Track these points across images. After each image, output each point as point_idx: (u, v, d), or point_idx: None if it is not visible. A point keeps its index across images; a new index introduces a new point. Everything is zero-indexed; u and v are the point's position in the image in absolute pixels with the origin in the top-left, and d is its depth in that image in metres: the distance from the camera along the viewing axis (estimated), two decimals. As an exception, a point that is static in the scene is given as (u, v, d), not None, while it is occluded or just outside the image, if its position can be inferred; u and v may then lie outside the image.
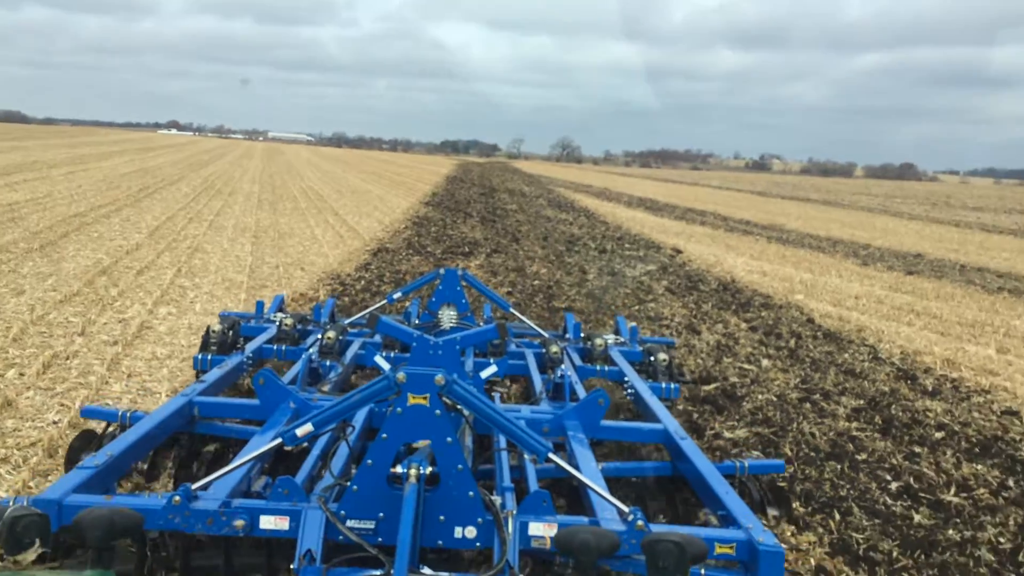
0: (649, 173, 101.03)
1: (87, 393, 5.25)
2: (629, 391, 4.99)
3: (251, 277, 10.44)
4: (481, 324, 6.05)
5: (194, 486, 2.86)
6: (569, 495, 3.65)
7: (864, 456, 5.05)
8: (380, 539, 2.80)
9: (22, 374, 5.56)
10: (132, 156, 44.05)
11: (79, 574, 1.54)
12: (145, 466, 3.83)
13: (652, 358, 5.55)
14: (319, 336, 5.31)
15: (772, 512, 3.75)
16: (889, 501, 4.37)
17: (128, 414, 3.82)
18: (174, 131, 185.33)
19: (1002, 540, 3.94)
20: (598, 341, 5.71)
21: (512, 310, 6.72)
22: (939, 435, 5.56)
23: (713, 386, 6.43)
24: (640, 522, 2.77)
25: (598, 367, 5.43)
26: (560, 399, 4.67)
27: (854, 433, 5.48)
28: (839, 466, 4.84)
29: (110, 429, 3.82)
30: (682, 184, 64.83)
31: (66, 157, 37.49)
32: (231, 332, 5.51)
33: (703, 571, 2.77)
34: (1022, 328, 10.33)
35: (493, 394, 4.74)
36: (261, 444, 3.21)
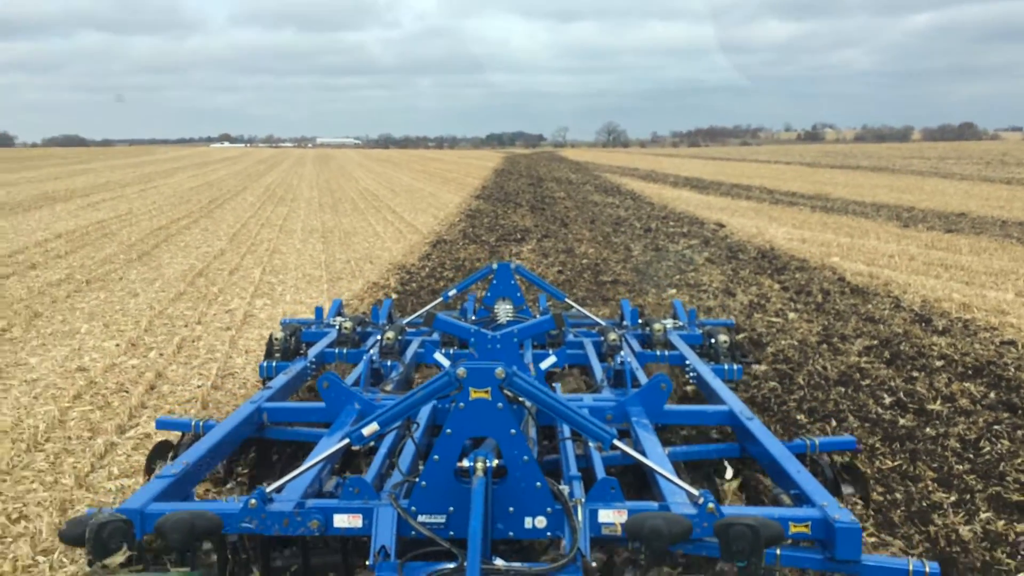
0: (697, 152, 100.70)
1: (218, 366, 6.42)
2: (691, 374, 5.02)
3: (327, 271, 11.62)
4: (537, 316, 6.03)
5: (268, 489, 2.93)
6: (637, 481, 3.65)
7: (868, 382, 5.92)
8: (452, 532, 2.85)
9: (162, 354, 6.77)
10: (193, 171, 46.13)
11: (164, 574, 1.55)
12: (220, 472, 4.01)
13: (713, 340, 5.58)
14: (379, 337, 5.43)
15: (847, 490, 3.73)
16: (880, 411, 5.26)
17: (201, 423, 3.96)
18: (226, 144, 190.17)
19: (969, 434, 4.81)
20: (656, 326, 5.67)
21: (568, 299, 6.70)
22: (939, 363, 6.39)
23: (742, 335, 7.33)
24: (711, 505, 2.76)
25: (658, 352, 5.43)
26: (621, 386, 4.73)
27: (862, 366, 6.36)
28: (844, 390, 5.73)
29: (184, 438, 3.97)
30: (729, 161, 64.77)
31: (133, 176, 39.64)
32: (293, 339, 5.70)
33: (779, 551, 2.74)
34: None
35: (553, 384, 4.80)
36: (330, 445, 3.24)
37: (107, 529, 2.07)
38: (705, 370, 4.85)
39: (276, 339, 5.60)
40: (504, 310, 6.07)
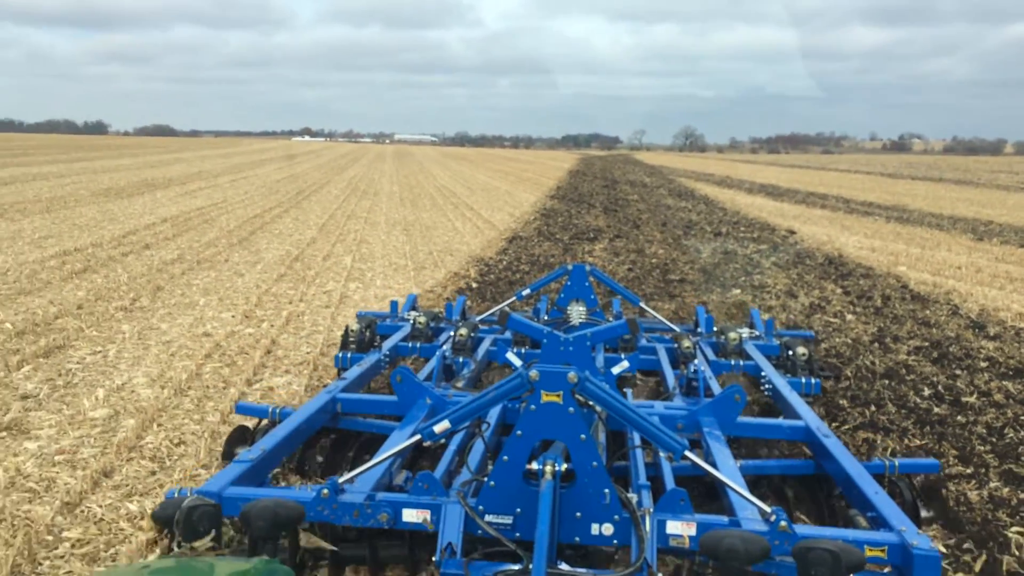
0: (775, 159, 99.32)
1: (322, 337, 7.27)
2: (766, 386, 4.93)
3: (411, 261, 12.48)
4: (610, 319, 6.05)
5: (340, 480, 2.98)
6: (707, 493, 3.60)
7: (912, 377, 6.41)
8: (518, 534, 2.87)
9: (272, 326, 7.67)
10: (279, 164, 47.97)
11: (248, 562, 1.67)
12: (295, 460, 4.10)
13: (790, 352, 5.46)
14: (451, 333, 5.46)
15: (925, 514, 3.67)
16: (919, 401, 5.77)
17: (278, 410, 4.05)
18: (307, 137, 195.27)
19: (996, 423, 5.29)
20: (731, 335, 5.62)
21: (642, 304, 6.67)
22: (983, 364, 6.81)
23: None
24: (783, 523, 2.72)
25: (732, 362, 5.36)
26: (693, 395, 4.68)
27: (909, 363, 6.83)
28: (888, 382, 6.23)
29: (262, 424, 4.09)
30: (808, 169, 63.98)
31: (224, 167, 41.55)
32: (368, 331, 5.73)
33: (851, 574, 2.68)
34: (1113, 290, 11.04)
35: (625, 390, 4.74)
36: (401, 439, 3.29)
37: (197, 512, 2.12)
38: (781, 383, 4.76)
39: (352, 331, 5.66)
40: (577, 312, 6.09)
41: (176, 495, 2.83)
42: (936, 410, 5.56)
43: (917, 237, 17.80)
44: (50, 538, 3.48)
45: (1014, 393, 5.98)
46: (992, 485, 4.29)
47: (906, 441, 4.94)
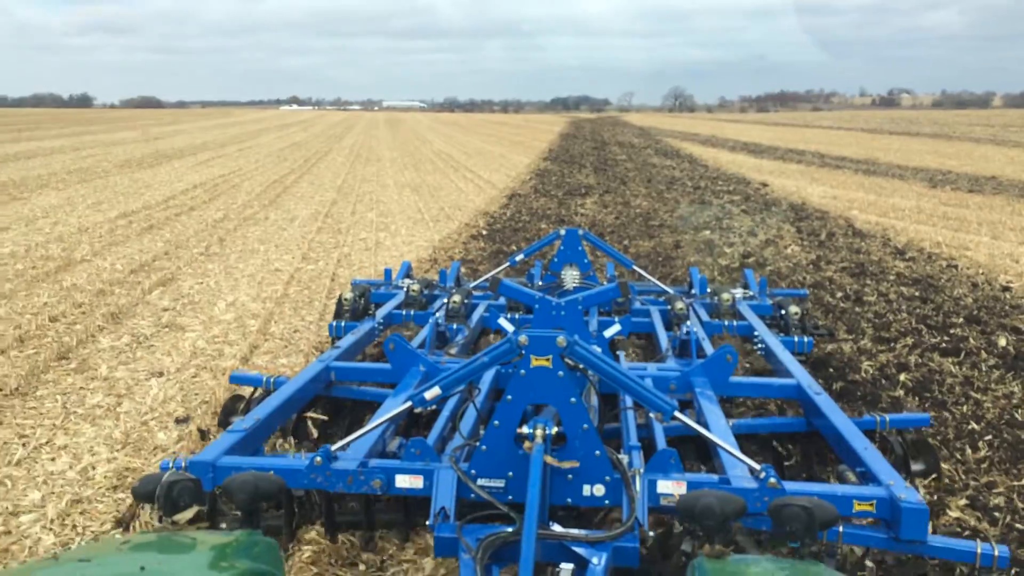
0: (761, 118, 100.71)
1: (369, 272, 9.10)
2: (759, 346, 5.02)
3: (426, 215, 14.28)
4: (604, 283, 6.11)
5: (333, 447, 3.02)
6: (700, 453, 3.64)
7: (832, 287, 8.30)
8: (510, 497, 2.90)
9: (327, 264, 9.50)
10: (277, 133, 49.38)
11: (230, 535, 1.62)
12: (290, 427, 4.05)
13: (783, 311, 5.58)
14: (445, 300, 5.48)
15: (916, 467, 3.72)
16: (831, 300, 7.66)
17: (272, 379, 4.06)
18: (295, 106, 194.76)
19: (883, 312, 7.19)
20: (725, 296, 5.66)
21: (635, 267, 6.74)
22: (892, 277, 8.71)
23: (752, 259, 9.72)
24: (772, 479, 2.78)
25: (726, 322, 5.40)
26: (687, 356, 4.74)
27: (833, 277, 8.73)
28: (815, 292, 8.11)
29: (256, 394, 4.11)
30: (792, 127, 65.58)
31: (226, 137, 42.98)
32: (362, 299, 5.78)
33: (841, 528, 2.75)
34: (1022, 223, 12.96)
35: (618, 352, 4.74)
36: (394, 406, 3.31)
37: (176, 488, 2.17)
38: (774, 342, 4.84)
39: (345, 299, 5.70)
40: (571, 276, 6.15)
41: (171, 466, 2.98)
42: (842, 305, 7.46)
43: (877, 186, 19.65)
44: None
45: (905, 294, 7.89)
46: (862, 343, 6.21)
47: (817, 319, 6.89)
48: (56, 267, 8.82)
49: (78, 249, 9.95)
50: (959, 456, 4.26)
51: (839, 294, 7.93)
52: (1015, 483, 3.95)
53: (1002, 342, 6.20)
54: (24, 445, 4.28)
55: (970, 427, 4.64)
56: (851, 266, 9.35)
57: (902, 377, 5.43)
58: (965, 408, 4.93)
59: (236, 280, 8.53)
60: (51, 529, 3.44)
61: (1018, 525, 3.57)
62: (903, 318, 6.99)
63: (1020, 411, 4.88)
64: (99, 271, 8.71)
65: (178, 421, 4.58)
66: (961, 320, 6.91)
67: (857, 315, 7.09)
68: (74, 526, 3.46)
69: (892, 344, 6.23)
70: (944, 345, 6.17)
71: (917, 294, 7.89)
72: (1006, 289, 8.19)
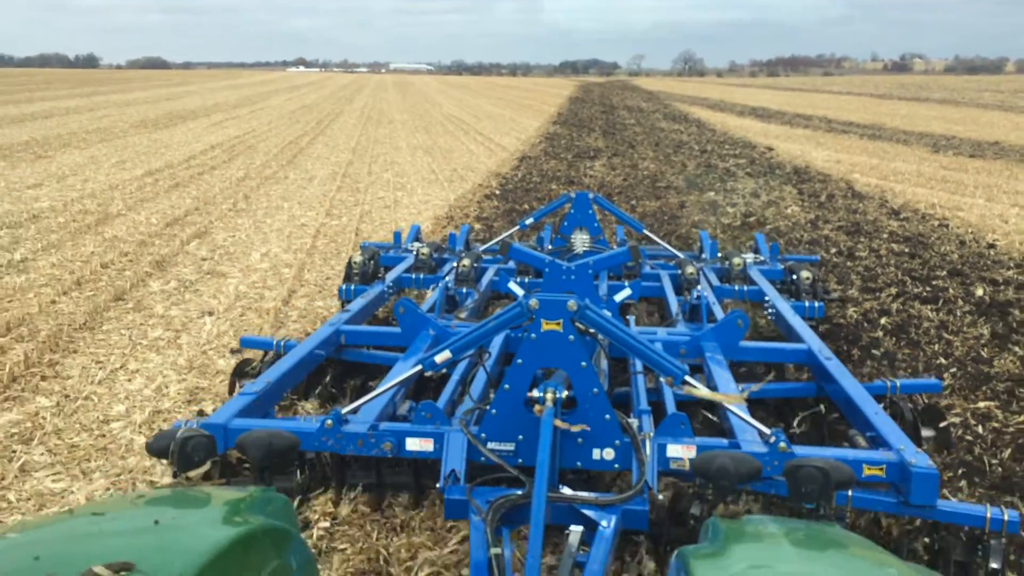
0: (771, 83, 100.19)
1: (392, 225, 9.63)
2: (770, 311, 4.99)
3: (440, 176, 14.76)
4: (614, 247, 6.09)
5: (344, 410, 3.03)
6: (710, 416, 3.65)
7: (828, 244, 8.80)
8: (520, 460, 2.90)
9: (350, 220, 10.03)
10: (287, 95, 49.58)
11: (244, 490, 1.56)
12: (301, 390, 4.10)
13: (794, 276, 5.52)
14: (455, 264, 5.47)
15: (926, 433, 3.70)
16: (825, 255, 8.17)
17: (282, 343, 4.06)
18: (302, 68, 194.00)
19: (873, 266, 7.70)
20: (736, 260, 5.63)
21: (646, 231, 6.71)
22: (885, 236, 9.20)
23: (753, 218, 10.21)
24: (783, 444, 2.79)
25: (736, 287, 5.39)
26: (697, 321, 4.71)
27: (828, 235, 9.22)
28: (810, 248, 8.61)
29: (267, 357, 4.10)
30: (802, 92, 65.42)
31: (236, 99, 43.26)
32: (372, 263, 5.75)
33: (850, 493, 2.75)
34: (1021, 188, 13.38)
35: (628, 317, 4.72)
36: (404, 370, 3.33)
37: (191, 444, 2.18)
38: (785, 307, 4.83)
39: (355, 263, 5.66)
40: (581, 240, 6.11)
41: (183, 426, 2.89)
42: (835, 260, 7.98)
43: (880, 151, 20.01)
44: (282, 315, 5.95)
45: (895, 250, 8.40)
46: (850, 292, 6.74)
47: (824, 286, 7.37)
48: (95, 220, 9.37)
49: (112, 204, 10.49)
50: (925, 385, 4.81)
51: (833, 250, 8.44)
52: (970, 406, 4.50)
53: (979, 292, 6.73)
54: (102, 369, 4.86)
55: (939, 362, 5.19)
56: (847, 225, 9.84)
57: (883, 321, 5.97)
58: (937, 347, 5.48)
59: (265, 234, 9.07)
60: (141, 432, 4.03)
61: (967, 437, 4.14)
62: (890, 271, 7.51)
63: (986, 349, 5.43)
64: (136, 224, 9.27)
65: (233, 351, 5.14)
66: (944, 273, 7.42)
67: (848, 269, 7.61)
68: (161, 429, 4.04)
69: (877, 294, 6.75)
70: (925, 294, 6.70)
71: (907, 250, 8.40)
72: (991, 247, 8.69)
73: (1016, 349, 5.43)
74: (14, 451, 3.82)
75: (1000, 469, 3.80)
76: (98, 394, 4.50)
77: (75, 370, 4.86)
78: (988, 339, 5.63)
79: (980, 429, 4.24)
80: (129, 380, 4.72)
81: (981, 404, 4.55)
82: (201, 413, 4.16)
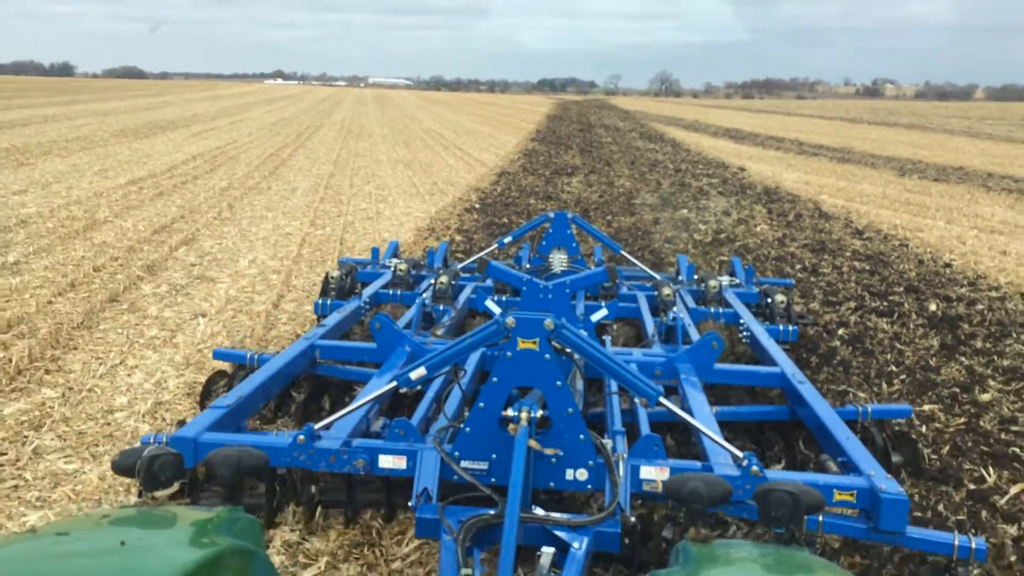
0: (745, 105, 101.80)
1: (376, 235, 9.91)
2: (745, 333, 5.02)
3: (421, 189, 15.07)
4: (592, 267, 6.14)
5: (317, 426, 3.01)
6: (683, 439, 3.65)
7: (794, 261, 9.21)
8: (493, 479, 2.89)
9: (334, 230, 10.30)
10: (266, 107, 49.70)
11: (211, 511, 1.50)
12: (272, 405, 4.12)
13: (769, 299, 5.62)
14: (432, 281, 5.49)
15: (896, 458, 3.74)
16: (791, 271, 8.57)
17: (256, 356, 4.05)
18: (280, 80, 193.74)
19: (836, 281, 8.11)
20: (712, 282, 5.70)
21: (624, 252, 6.77)
22: (848, 254, 9.64)
23: (723, 235, 10.62)
24: (755, 467, 2.80)
25: (712, 309, 5.43)
26: (673, 342, 4.74)
27: (795, 252, 9.65)
28: (777, 264, 9.02)
29: (239, 371, 4.09)
30: (775, 114, 66.60)
31: (216, 110, 43.31)
32: (349, 278, 5.79)
33: (821, 518, 2.76)
34: (980, 211, 13.96)
35: (604, 337, 4.78)
36: (378, 387, 3.31)
37: (158, 463, 2.02)
38: (759, 330, 4.88)
39: (332, 277, 5.70)
40: (558, 260, 6.16)
41: (151, 441, 2.91)
42: (799, 276, 8.38)
43: (848, 173, 20.62)
44: (272, 318, 6.21)
45: (857, 268, 8.83)
46: (812, 305, 7.13)
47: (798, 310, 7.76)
48: (83, 226, 9.57)
49: (99, 211, 10.67)
50: (876, 389, 5.19)
51: (798, 266, 8.86)
52: (916, 409, 4.86)
53: (932, 307, 7.15)
54: (102, 364, 5.11)
55: (890, 369, 5.58)
56: (813, 243, 10.28)
57: (840, 332, 6.36)
58: (889, 356, 5.87)
59: (252, 242, 9.32)
60: (144, 420, 4.28)
61: (911, 436, 4.50)
62: (851, 287, 7.92)
63: (935, 359, 5.82)
64: (124, 231, 9.47)
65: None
66: (901, 289, 7.85)
67: (811, 284, 8.01)
68: (163, 419, 4.31)
69: (837, 307, 7.15)
70: (882, 308, 7.11)
71: (867, 268, 8.83)
72: (948, 266, 9.15)
73: (962, 359, 5.83)
74: (26, 436, 4.07)
75: (938, 463, 4.16)
76: (101, 387, 4.75)
77: (77, 365, 5.10)
78: (937, 349, 6.03)
79: (924, 429, 4.61)
80: (129, 375, 4.97)
81: (926, 407, 4.92)
82: (181, 423, 4.13)
